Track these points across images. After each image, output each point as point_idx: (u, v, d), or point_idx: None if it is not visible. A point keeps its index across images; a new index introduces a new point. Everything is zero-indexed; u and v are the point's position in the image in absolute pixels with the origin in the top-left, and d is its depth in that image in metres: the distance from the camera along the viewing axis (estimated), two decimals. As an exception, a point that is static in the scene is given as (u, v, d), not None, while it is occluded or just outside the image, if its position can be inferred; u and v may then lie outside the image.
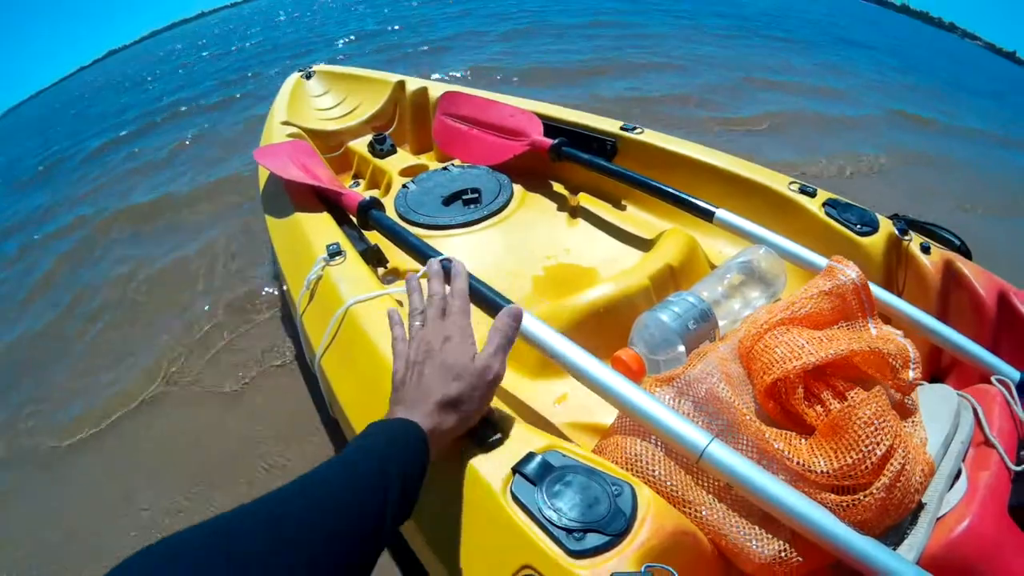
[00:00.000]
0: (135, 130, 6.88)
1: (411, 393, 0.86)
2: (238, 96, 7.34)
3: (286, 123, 2.58)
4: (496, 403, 0.99)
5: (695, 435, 0.87)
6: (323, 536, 0.58)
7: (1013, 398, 1.09)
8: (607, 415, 1.10)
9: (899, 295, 1.45)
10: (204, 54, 13.74)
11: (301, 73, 3.22)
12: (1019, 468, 0.95)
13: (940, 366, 1.50)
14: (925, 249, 1.54)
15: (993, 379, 1.14)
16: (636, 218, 2.09)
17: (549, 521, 0.77)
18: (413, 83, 2.89)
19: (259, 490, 1.70)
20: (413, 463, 0.76)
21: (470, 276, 1.29)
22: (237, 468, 1.90)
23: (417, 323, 0.98)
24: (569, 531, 0.75)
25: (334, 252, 1.48)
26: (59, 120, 10.86)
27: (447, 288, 1.05)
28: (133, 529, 1.77)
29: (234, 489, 1.84)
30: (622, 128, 2.19)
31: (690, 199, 1.74)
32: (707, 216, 1.68)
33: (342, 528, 0.62)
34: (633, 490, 0.80)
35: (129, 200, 4.38)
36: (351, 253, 1.51)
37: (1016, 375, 1.18)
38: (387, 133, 2.75)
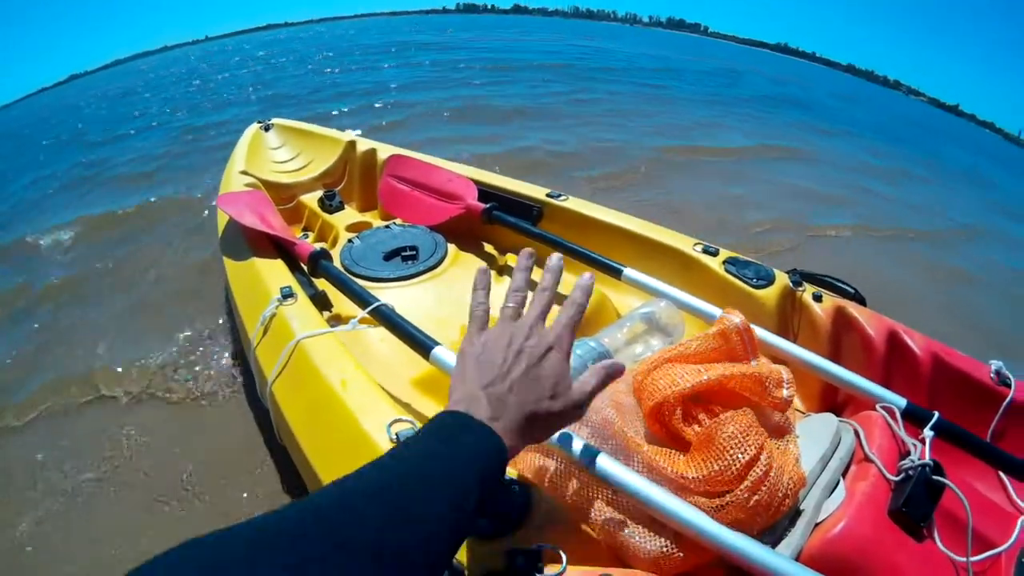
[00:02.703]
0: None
1: (501, 389, 0.74)
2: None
3: (244, 172, 2.71)
4: (421, 425, 1.14)
5: (584, 450, 1.02)
6: (443, 507, 0.57)
7: (895, 421, 1.21)
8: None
9: (794, 340, 1.62)
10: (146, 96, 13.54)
11: (260, 125, 3.34)
12: (897, 478, 1.06)
13: (836, 401, 1.64)
14: (817, 298, 1.72)
15: (877, 406, 1.26)
16: (556, 277, 2.24)
17: None
18: (363, 143, 3.03)
19: (210, 504, 1.80)
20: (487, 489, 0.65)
21: (401, 317, 1.45)
22: (190, 487, 1.97)
23: (511, 306, 0.86)
24: None
25: (287, 294, 1.63)
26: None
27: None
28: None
29: (190, 505, 1.92)
30: (548, 195, 2.37)
31: (601, 259, 1.92)
32: (616, 274, 1.87)
33: (453, 501, 0.58)
34: (529, 490, 0.97)
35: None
36: (302, 296, 1.66)
37: (903, 403, 1.33)
38: (336, 190, 2.88)
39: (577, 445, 1.04)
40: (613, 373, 0.85)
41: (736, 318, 1.32)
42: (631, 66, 17.32)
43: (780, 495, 0.99)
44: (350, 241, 2.39)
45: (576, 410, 0.79)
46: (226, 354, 2.64)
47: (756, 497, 0.96)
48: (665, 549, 0.96)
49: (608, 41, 29.92)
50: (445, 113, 8.07)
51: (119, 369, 2.63)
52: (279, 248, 1.98)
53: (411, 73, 13.09)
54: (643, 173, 5.53)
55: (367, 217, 2.75)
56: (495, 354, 0.78)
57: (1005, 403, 1.41)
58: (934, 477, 1.04)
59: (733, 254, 1.94)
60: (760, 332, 1.47)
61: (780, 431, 1.20)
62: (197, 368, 2.58)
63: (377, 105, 8.99)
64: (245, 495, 1.93)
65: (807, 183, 6.06)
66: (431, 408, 1.61)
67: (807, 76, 31.77)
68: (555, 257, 0.91)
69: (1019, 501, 1.33)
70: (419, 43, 22.04)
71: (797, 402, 1.57)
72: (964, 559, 0.99)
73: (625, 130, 7.60)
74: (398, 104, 8.98)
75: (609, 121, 8.17)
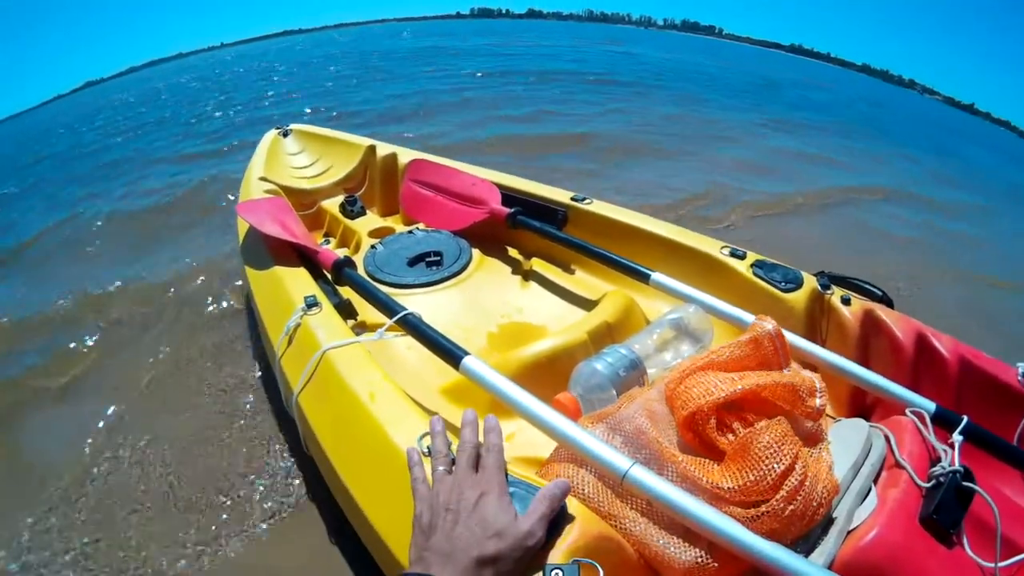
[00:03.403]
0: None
1: (443, 543, 0.81)
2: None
3: (263, 179, 2.72)
4: (452, 437, 1.10)
5: (618, 460, 1.01)
6: None
7: (925, 426, 1.20)
8: (548, 450, 1.21)
9: (822, 344, 1.62)
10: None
11: (278, 131, 3.37)
12: (928, 485, 1.05)
13: (865, 404, 1.63)
14: (846, 301, 1.71)
15: (907, 411, 1.26)
16: (584, 281, 2.25)
17: None
18: (383, 148, 3.04)
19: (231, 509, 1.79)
20: None
21: (429, 326, 1.44)
22: (211, 499, 1.98)
23: (441, 468, 0.93)
24: None
25: (311, 303, 1.63)
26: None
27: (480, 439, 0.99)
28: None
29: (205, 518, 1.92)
30: (573, 199, 2.37)
31: (629, 263, 1.92)
32: (643, 278, 1.85)
33: None
34: (563, 502, 0.97)
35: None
36: (326, 305, 1.66)
37: (932, 407, 1.32)
38: (357, 195, 2.89)
39: (611, 455, 1.03)
40: (559, 496, 0.91)
41: (768, 324, 1.31)
42: (670, 75, 16.85)
43: (815, 504, 0.99)
44: (373, 247, 2.40)
45: (528, 538, 0.83)
46: (248, 362, 2.66)
47: (792, 507, 0.96)
48: (700, 560, 0.95)
49: (634, 46, 29.32)
50: (517, 138, 7.43)
51: (143, 376, 2.67)
52: (301, 256, 1.99)
53: (451, 83, 12.42)
54: (734, 223, 4.99)
55: (389, 222, 2.76)
56: (435, 517, 0.85)
57: None
58: (964, 484, 1.04)
59: (760, 257, 1.93)
60: (789, 336, 1.45)
61: (813, 438, 1.20)
62: (221, 380, 2.59)
63: (442, 125, 8.15)
64: (270, 504, 1.94)
65: (900, 229, 5.49)
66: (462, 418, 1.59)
67: (829, 79, 31.38)
68: (470, 413, 1.04)
69: (1046, 505, 1.31)
70: (445, 49, 21.66)
71: (827, 407, 1.57)
72: (992, 564, 0.99)
73: (706, 164, 6.85)
74: (460, 126, 8.07)
75: (682, 150, 7.52)
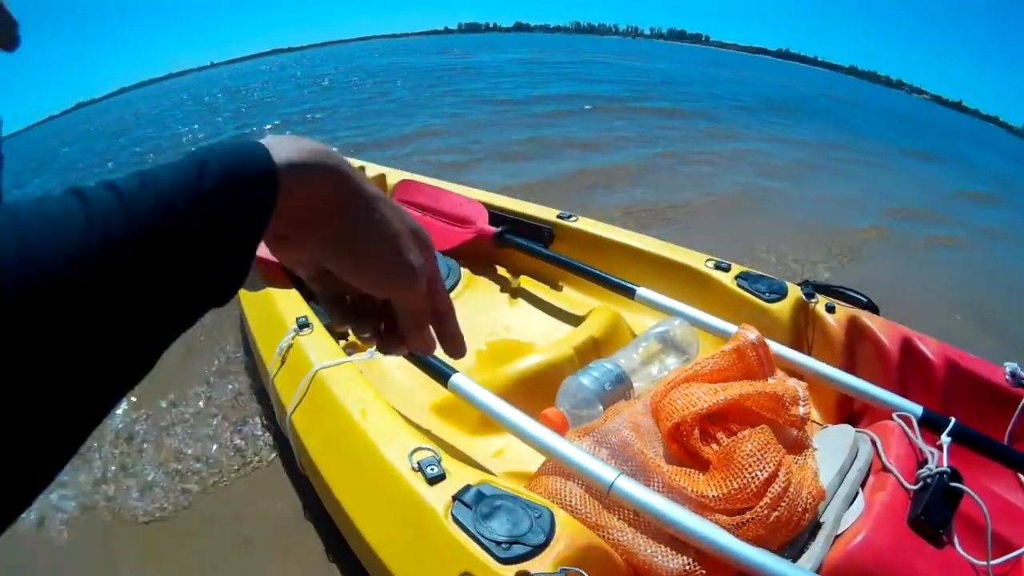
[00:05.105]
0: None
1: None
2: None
3: None
4: (442, 453, 1.15)
5: (604, 472, 1.04)
6: None
7: (912, 429, 1.22)
8: (537, 465, 1.23)
9: (808, 352, 1.64)
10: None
11: None
12: (916, 487, 1.07)
13: (852, 411, 1.64)
14: (830, 309, 1.72)
15: (894, 415, 1.28)
16: (571, 297, 2.26)
17: (482, 536, 0.94)
18: (372, 169, 3.05)
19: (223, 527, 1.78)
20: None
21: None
22: (205, 520, 1.96)
23: None
24: (498, 543, 0.93)
25: (303, 324, 1.65)
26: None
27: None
28: None
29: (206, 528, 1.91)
30: (559, 216, 2.38)
31: (614, 279, 1.94)
32: (629, 294, 1.87)
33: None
34: (551, 513, 0.98)
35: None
36: (318, 326, 1.67)
37: (919, 410, 1.33)
38: (346, 215, 2.89)
39: (597, 467, 1.05)
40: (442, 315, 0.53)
41: (751, 334, 1.33)
42: (716, 95, 15.07)
43: (800, 510, 1.00)
44: (362, 267, 2.39)
45: (408, 256, 0.47)
46: (243, 382, 2.64)
47: (776, 513, 0.98)
48: (688, 567, 0.97)
49: (659, 62, 28.47)
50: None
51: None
52: (292, 277, 1.98)
53: (495, 120, 9.56)
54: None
55: (378, 244, 2.74)
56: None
57: (1021, 404, 1.41)
58: (952, 484, 1.05)
59: (745, 268, 1.94)
60: (775, 346, 1.48)
61: (798, 446, 1.21)
62: (215, 399, 2.57)
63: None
64: (266, 523, 1.92)
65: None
66: (452, 434, 1.62)
67: (832, 87, 30.92)
68: None
69: (1037, 502, 1.33)
70: (444, 67, 20.85)
71: (814, 414, 1.57)
72: (984, 563, 1.00)
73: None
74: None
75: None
